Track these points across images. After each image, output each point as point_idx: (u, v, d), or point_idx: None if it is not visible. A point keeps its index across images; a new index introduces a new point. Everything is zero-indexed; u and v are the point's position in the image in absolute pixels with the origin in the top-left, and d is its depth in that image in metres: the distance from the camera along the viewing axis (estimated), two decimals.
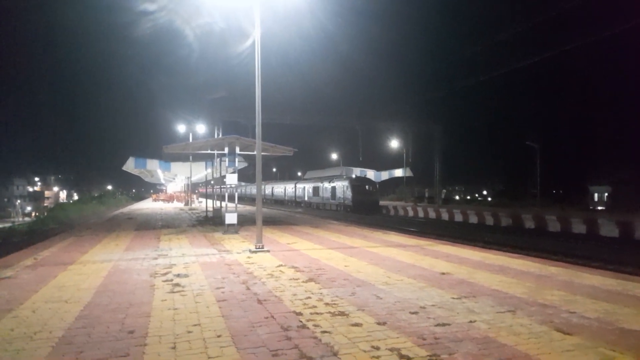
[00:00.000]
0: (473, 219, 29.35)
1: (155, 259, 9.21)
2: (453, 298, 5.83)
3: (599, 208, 45.38)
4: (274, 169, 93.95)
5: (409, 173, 50.64)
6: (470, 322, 4.80)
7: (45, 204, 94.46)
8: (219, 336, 4.35)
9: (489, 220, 27.94)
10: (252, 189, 66.81)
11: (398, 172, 54.52)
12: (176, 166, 41.85)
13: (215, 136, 27.71)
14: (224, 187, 17.91)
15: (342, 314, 5.11)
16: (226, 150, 15.72)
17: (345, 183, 40.27)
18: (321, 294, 6.08)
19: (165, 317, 5.00)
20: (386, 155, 53.33)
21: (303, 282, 6.87)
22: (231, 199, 16.48)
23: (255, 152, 11.68)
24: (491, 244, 15.58)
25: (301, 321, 4.82)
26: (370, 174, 52.70)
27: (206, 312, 5.18)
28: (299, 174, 78.38)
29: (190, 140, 30.55)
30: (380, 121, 42.68)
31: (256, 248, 10.19)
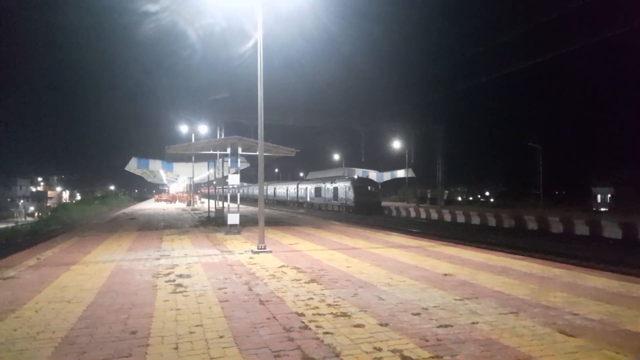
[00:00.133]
0: (475, 220, 29.29)
1: (158, 259, 9.22)
2: (455, 299, 5.82)
3: (602, 209, 45.25)
4: (276, 170, 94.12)
5: (411, 174, 50.61)
6: (473, 323, 4.79)
7: (48, 204, 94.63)
8: (221, 337, 4.35)
9: (492, 222, 27.88)
10: (254, 190, 66.85)
11: (400, 173, 54.47)
12: (179, 167, 41.92)
13: (218, 137, 27.75)
14: (226, 188, 17.95)
15: (344, 315, 5.10)
16: (228, 151, 15.73)
17: (348, 184, 40.26)
18: (323, 295, 6.07)
19: (167, 317, 5.01)
20: (388, 156, 53.35)
21: (305, 283, 6.86)
22: (233, 199, 16.50)
23: (257, 153, 11.69)
24: (494, 245, 15.54)
25: (303, 322, 4.82)
26: (373, 174, 52.65)
27: (208, 313, 5.18)
28: (301, 174, 78.42)
29: (193, 140, 30.59)
30: (382, 122, 42.67)
31: (258, 249, 10.19)
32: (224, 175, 19.97)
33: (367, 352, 3.95)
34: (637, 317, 5.05)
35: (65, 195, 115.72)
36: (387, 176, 57.04)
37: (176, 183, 62.63)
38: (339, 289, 6.44)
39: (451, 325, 4.70)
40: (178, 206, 40.17)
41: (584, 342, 4.23)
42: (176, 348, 4.06)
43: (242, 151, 16.34)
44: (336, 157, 65.15)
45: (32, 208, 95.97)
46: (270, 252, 10.13)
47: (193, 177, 37.28)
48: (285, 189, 59.31)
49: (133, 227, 17.26)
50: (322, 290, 6.36)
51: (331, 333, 4.46)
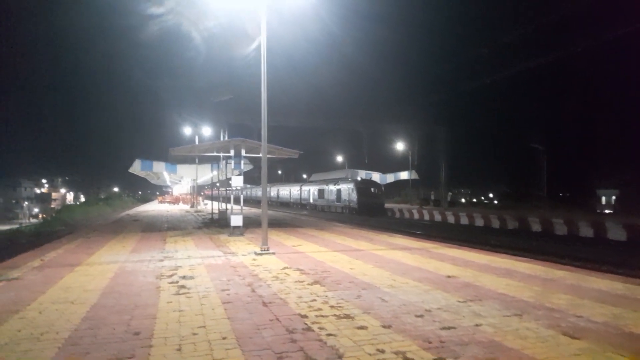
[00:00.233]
0: (479, 222, 29.21)
1: (161, 260, 9.24)
2: (459, 301, 5.81)
3: (607, 211, 45.04)
4: (280, 172, 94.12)
5: (414, 176, 50.50)
6: (476, 325, 4.77)
7: (52, 206, 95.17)
8: (224, 338, 4.35)
9: (495, 223, 27.79)
10: (257, 192, 66.92)
11: (403, 175, 54.38)
12: (182, 168, 41.96)
13: (221, 139, 27.79)
14: (229, 190, 17.96)
15: (347, 316, 5.10)
16: (232, 153, 15.77)
17: (351, 185, 40.23)
18: (326, 296, 6.07)
19: (170, 319, 5.02)
20: (391, 157, 53.30)
21: (308, 284, 6.86)
22: (237, 201, 16.52)
23: (260, 155, 11.71)
24: (497, 247, 15.49)
25: (306, 324, 4.82)
26: (376, 176, 52.59)
27: (211, 314, 5.19)
28: (305, 176, 78.46)
29: (197, 142, 30.67)
30: (385, 123, 42.69)
31: (261, 250, 10.19)
32: (228, 177, 20.02)
33: (370, 354, 3.95)
34: None
35: (70, 196, 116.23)
36: (390, 178, 56.97)
37: (180, 185, 62.73)
38: (342, 290, 6.44)
39: (454, 327, 4.69)
40: (181, 208, 40.26)
41: (588, 345, 4.21)
42: (179, 349, 4.07)
43: (246, 153, 16.37)
44: (339, 158, 65.17)
45: (36, 209, 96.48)
46: (274, 253, 10.14)
47: (197, 179, 37.34)
48: (288, 191, 59.33)
49: (137, 229, 17.30)
50: (325, 292, 6.36)
51: (334, 335, 4.45)
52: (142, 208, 42.99)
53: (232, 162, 16.09)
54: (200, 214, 28.60)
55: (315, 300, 5.87)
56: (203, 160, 30.46)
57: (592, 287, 6.76)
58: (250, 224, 18.55)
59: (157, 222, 21.45)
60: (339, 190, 42.36)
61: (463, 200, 73.37)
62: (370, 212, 36.50)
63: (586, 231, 21.97)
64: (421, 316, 5.12)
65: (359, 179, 43.75)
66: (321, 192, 47.07)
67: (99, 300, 5.85)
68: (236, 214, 14.51)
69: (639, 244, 18.74)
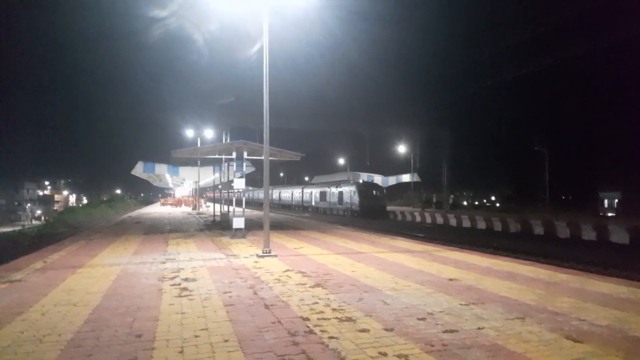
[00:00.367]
0: (481, 225, 29.14)
1: (164, 263, 9.25)
2: (461, 304, 5.79)
3: (609, 214, 44.90)
4: (282, 174, 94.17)
5: (416, 178, 50.51)
6: (479, 328, 4.76)
7: (55, 208, 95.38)
8: (226, 341, 4.35)
9: (497, 226, 27.72)
10: (259, 194, 66.98)
11: (405, 177, 54.42)
12: (184, 171, 42.12)
13: (224, 141, 27.85)
14: (231, 192, 17.99)
15: (349, 319, 5.09)
16: (234, 155, 15.79)
17: (353, 188, 40.22)
18: (328, 299, 6.06)
19: (173, 321, 5.02)
20: (393, 160, 53.34)
21: (310, 287, 6.86)
22: (239, 203, 16.53)
23: (263, 157, 11.72)
24: (500, 250, 15.45)
25: (308, 326, 4.81)
26: (378, 179, 52.64)
27: (213, 317, 5.18)
28: (306, 178, 78.45)
29: (199, 145, 30.72)
30: (387, 126, 42.75)
31: (263, 253, 10.19)
32: (230, 179, 20.05)
33: (372, 357, 3.94)
34: None
35: (72, 198, 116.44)
36: (392, 180, 57.02)
37: (182, 187, 62.85)
38: (344, 293, 6.43)
39: (457, 331, 4.68)
40: (184, 210, 40.31)
41: (591, 348, 4.19)
42: (181, 352, 4.07)
43: (248, 155, 16.40)
44: (341, 161, 65.20)
45: (39, 211, 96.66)
46: (276, 256, 10.13)
47: (199, 181, 37.41)
48: (290, 193, 59.35)
49: (139, 231, 17.33)
50: (327, 294, 6.35)
51: (336, 337, 4.45)
52: (145, 210, 43.06)
53: (234, 164, 16.11)
54: (202, 216, 28.63)
55: (317, 303, 5.86)
56: (205, 162, 30.56)
57: (595, 290, 6.73)
58: (252, 226, 18.56)
59: (159, 224, 21.47)
60: (340, 193, 42.35)
61: (465, 202, 73.23)
62: (372, 215, 36.48)
63: (589, 234, 21.89)
64: (423, 319, 5.10)
65: (360, 181, 43.77)
66: (323, 195, 47.06)
67: (102, 302, 5.85)
68: (238, 216, 14.52)
69: None
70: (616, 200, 58.15)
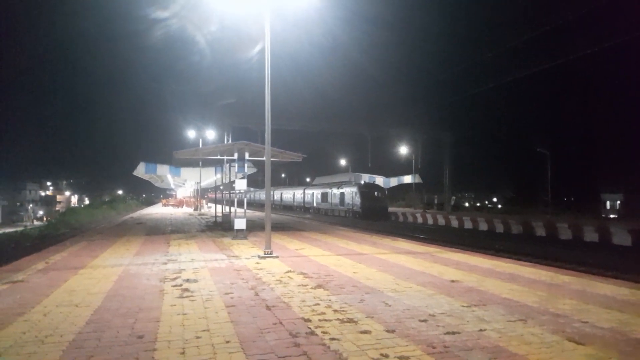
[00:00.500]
0: (483, 226, 29.11)
1: (165, 264, 9.26)
2: (463, 306, 5.78)
3: (611, 216, 44.80)
4: (283, 175, 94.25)
5: (418, 179, 50.47)
6: (481, 330, 4.75)
7: (57, 209, 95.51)
8: (227, 342, 4.35)
9: (499, 228, 27.68)
10: (261, 195, 66.97)
11: (407, 179, 54.35)
12: (186, 171, 42.18)
13: (225, 142, 27.88)
14: (233, 193, 18.01)
15: (350, 321, 5.08)
16: (235, 156, 15.81)
17: (354, 189, 40.21)
18: (330, 300, 6.06)
19: (174, 322, 5.02)
20: (395, 161, 53.28)
21: (312, 288, 6.85)
22: (240, 204, 16.54)
23: (264, 158, 11.73)
24: (501, 252, 15.42)
25: (310, 328, 4.81)
26: (379, 180, 52.56)
27: (215, 318, 5.19)
28: (308, 179, 78.45)
29: (200, 145, 30.75)
30: (389, 127, 42.71)
31: (265, 254, 10.20)
32: (231, 180, 20.06)
33: (373, 359, 3.94)
34: None
35: (74, 199, 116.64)
36: (394, 182, 56.93)
37: (183, 188, 62.95)
38: (346, 294, 6.43)
39: (459, 332, 4.67)
40: (185, 211, 40.33)
41: (593, 351, 4.18)
42: (183, 353, 4.07)
43: (249, 156, 16.41)
44: (343, 162, 65.20)
45: (41, 212, 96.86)
46: (277, 257, 10.14)
47: (200, 182, 37.44)
48: (291, 194, 59.36)
49: (141, 232, 17.35)
50: (329, 295, 6.35)
51: (337, 339, 4.44)
52: (146, 211, 43.11)
53: (236, 165, 16.13)
54: (203, 217, 28.64)
55: (318, 304, 5.86)
56: (207, 163, 30.60)
57: (597, 292, 6.71)
58: (254, 227, 18.56)
59: (160, 225, 21.49)
60: (342, 194, 42.34)
61: (467, 204, 73.11)
62: (374, 216, 36.45)
63: (591, 236, 21.85)
64: (425, 321, 5.10)
65: (362, 182, 43.71)
66: (324, 196, 47.05)
67: (103, 303, 5.86)
68: (239, 217, 14.53)
69: None
70: (618, 202, 58.02)
